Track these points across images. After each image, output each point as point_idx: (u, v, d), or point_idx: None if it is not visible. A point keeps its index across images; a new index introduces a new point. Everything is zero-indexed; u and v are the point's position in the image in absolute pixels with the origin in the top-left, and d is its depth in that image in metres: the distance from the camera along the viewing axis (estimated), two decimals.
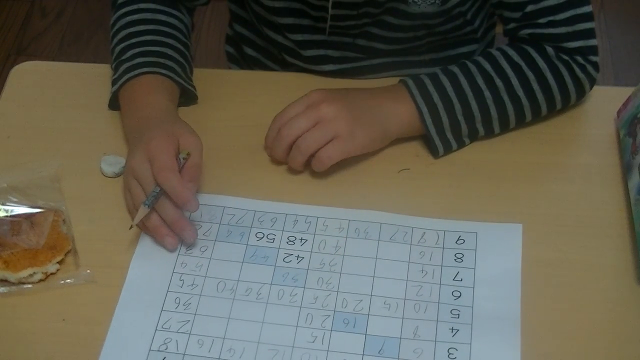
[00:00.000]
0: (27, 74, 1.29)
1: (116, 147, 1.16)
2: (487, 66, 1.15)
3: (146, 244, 1.06)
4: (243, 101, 1.23)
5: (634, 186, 1.07)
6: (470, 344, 0.96)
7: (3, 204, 1.07)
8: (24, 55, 2.45)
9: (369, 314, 0.99)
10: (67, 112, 1.22)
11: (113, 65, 1.20)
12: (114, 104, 1.19)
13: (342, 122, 1.10)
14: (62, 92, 1.25)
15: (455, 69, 1.16)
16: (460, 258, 1.04)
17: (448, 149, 1.15)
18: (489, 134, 1.16)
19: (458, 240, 1.05)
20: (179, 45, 1.21)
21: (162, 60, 1.17)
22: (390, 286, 1.01)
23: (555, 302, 1.00)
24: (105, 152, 1.15)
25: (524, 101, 1.15)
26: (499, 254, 1.04)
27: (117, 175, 1.13)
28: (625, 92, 1.18)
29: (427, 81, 1.15)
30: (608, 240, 1.06)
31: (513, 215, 1.08)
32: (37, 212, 1.06)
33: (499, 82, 1.14)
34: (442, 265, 1.03)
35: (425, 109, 1.13)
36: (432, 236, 1.06)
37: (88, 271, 1.03)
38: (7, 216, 1.06)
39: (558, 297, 1.01)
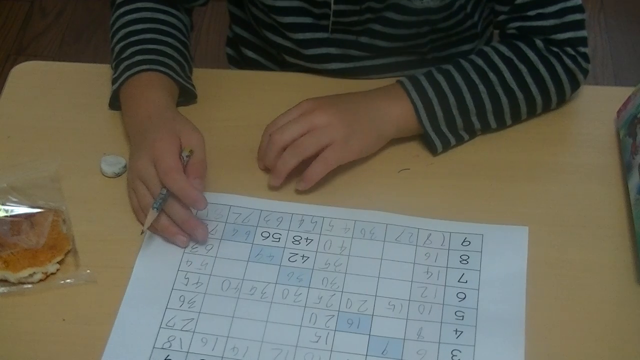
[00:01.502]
0: (27, 74, 1.29)
1: (116, 147, 1.16)
2: (480, 62, 1.16)
3: (152, 242, 1.05)
4: (243, 101, 1.23)
5: (634, 186, 1.07)
6: (474, 345, 0.96)
7: (3, 204, 1.07)
8: (24, 55, 2.45)
9: (373, 315, 0.99)
10: (67, 112, 1.22)
11: (113, 65, 1.20)
12: (115, 103, 1.19)
13: (336, 129, 1.10)
14: (62, 92, 1.25)
15: (448, 66, 1.17)
16: (465, 260, 1.04)
17: (446, 145, 1.15)
18: (486, 127, 1.17)
19: (464, 242, 1.05)
20: (178, 44, 1.21)
21: (161, 59, 1.17)
22: (395, 287, 1.01)
23: (555, 302, 1.00)
24: (105, 152, 1.15)
25: (518, 94, 1.16)
26: (504, 256, 1.04)
27: (117, 175, 1.13)
28: (625, 92, 1.18)
29: (422, 78, 1.16)
30: (608, 240, 1.06)
31: (512, 215, 1.08)
32: (37, 212, 1.06)
33: (492, 76, 1.15)
34: (447, 267, 1.03)
35: (420, 104, 1.13)
36: (437, 237, 1.06)
37: (88, 271, 1.03)
38: (7, 216, 1.06)
39: (557, 297, 1.01)
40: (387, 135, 1.14)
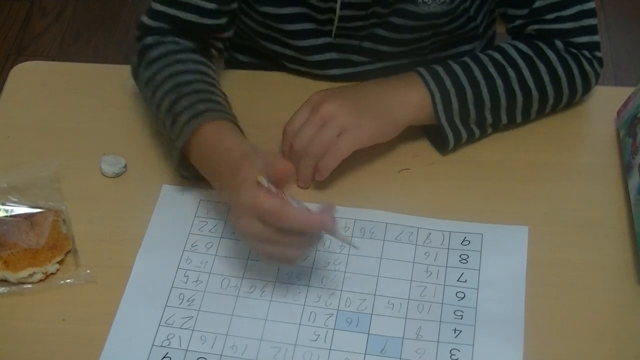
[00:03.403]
0: (27, 74, 1.29)
1: (116, 147, 1.16)
2: (498, 56, 1.16)
3: (151, 240, 1.06)
4: (243, 101, 1.23)
5: (634, 186, 1.07)
6: (473, 345, 0.96)
7: (3, 204, 1.07)
8: (24, 55, 2.45)
9: (372, 314, 0.99)
10: (67, 112, 1.22)
11: (164, 118, 1.10)
12: (174, 154, 1.09)
13: (345, 116, 1.09)
14: (62, 92, 1.25)
15: (466, 59, 1.16)
16: (465, 259, 1.04)
17: (458, 140, 1.14)
18: (496, 123, 1.16)
19: (463, 241, 1.05)
20: (222, 94, 1.15)
21: (221, 107, 1.10)
22: (394, 286, 1.01)
23: (554, 302, 1.00)
24: (105, 152, 1.15)
25: (534, 92, 1.16)
26: (504, 256, 1.04)
27: (117, 175, 1.13)
28: (625, 92, 1.19)
29: (439, 69, 1.15)
30: (608, 240, 1.06)
31: (512, 215, 1.08)
32: (37, 212, 1.06)
33: (510, 72, 1.15)
34: (446, 266, 1.03)
35: (437, 94, 1.12)
36: (437, 237, 1.06)
37: (88, 271, 1.03)
38: (7, 216, 1.06)
39: (557, 297, 1.01)
40: (402, 120, 1.13)
